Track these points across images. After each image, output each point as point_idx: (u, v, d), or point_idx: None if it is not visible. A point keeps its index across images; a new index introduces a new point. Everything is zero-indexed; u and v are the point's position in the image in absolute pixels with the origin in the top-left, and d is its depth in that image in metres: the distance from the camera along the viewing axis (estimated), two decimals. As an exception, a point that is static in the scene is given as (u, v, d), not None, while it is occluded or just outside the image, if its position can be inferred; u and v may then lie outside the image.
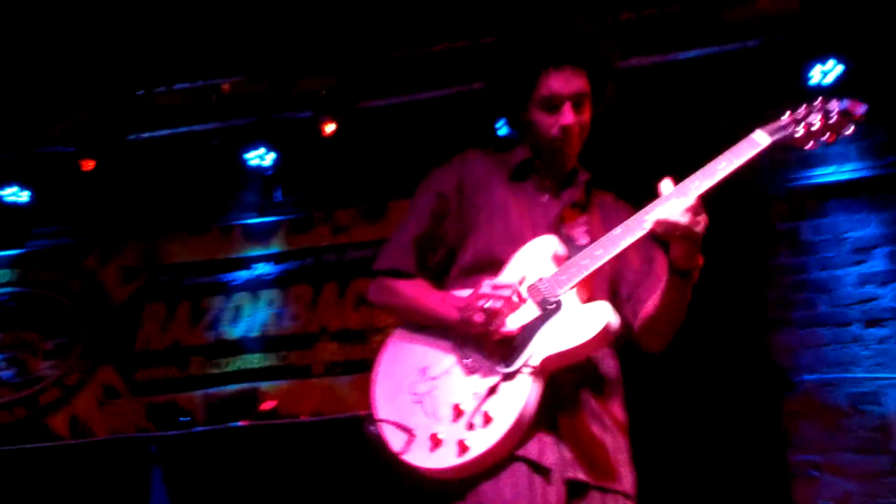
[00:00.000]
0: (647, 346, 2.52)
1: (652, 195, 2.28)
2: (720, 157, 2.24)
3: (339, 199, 6.32)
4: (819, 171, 5.53)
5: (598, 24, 2.71)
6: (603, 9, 4.67)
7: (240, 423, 5.54)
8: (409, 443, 2.27)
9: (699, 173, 2.23)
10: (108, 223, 6.60)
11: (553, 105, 2.47)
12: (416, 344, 2.45)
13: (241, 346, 6.15)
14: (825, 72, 5.03)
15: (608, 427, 2.37)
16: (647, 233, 2.23)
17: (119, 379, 6.20)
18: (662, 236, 2.21)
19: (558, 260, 2.37)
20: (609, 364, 2.49)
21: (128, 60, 5.63)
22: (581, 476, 2.24)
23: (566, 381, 2.31)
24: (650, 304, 2.44)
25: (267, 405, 5.71)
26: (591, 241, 2.42)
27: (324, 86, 5.71)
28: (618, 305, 2.40)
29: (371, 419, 2.38)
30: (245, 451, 5.32)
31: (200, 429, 5.74)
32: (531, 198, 2.58)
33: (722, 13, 4.91)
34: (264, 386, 5.99)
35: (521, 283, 2.31)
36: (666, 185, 2.25)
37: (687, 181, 2.23)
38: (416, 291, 2.50)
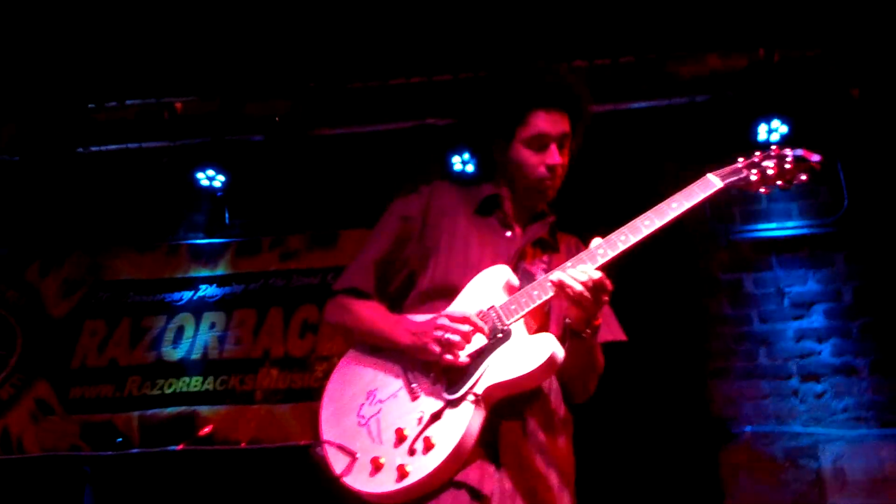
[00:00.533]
0: (569, 396, 2.53)
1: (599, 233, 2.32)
2: (671, 199, 2.29)
3: (289, 224, 6.26)
4: (762, 226, 5.63)
5: (579, 73, 2.75)
6: (556, 54, 4.70)
7: (176, 447, 5.49)
8: (350, 466, 2.27)
9: (650, 213, 2.28)
10: (52, 235, 6.47)
11: (541, 144, 2.52)
12: (366, 366, 2.47)
13: (181, 368, 6.03)
14: (771, 130, 5.12)
15: (553, 463, 2.36)
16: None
17: (53, 395, 6.05)
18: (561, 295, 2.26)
19: (510, 290, 2.39)
20: (560, 399, 2.49)
21: (80, 73, 5.55)
22: None
23: (514, 412, 2.31)
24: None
25: (204, 430, 5.64)
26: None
27: (278, 111, 5.68)
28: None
29: (317, 440, 2.39)
30: (180, 476, 5.25)
31: (136, 451, 5.66)
32: (494, 232, 2.61)
33: (673, 67, 4.97)
34: (203, 410, 5.87)
35: (476, 312, 2.33)
36: (595, 242, 2.31)
37: (617, 233, 2.29)
38: (372, 313, 2.51)
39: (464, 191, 2.74)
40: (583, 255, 2.30)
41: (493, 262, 2.48)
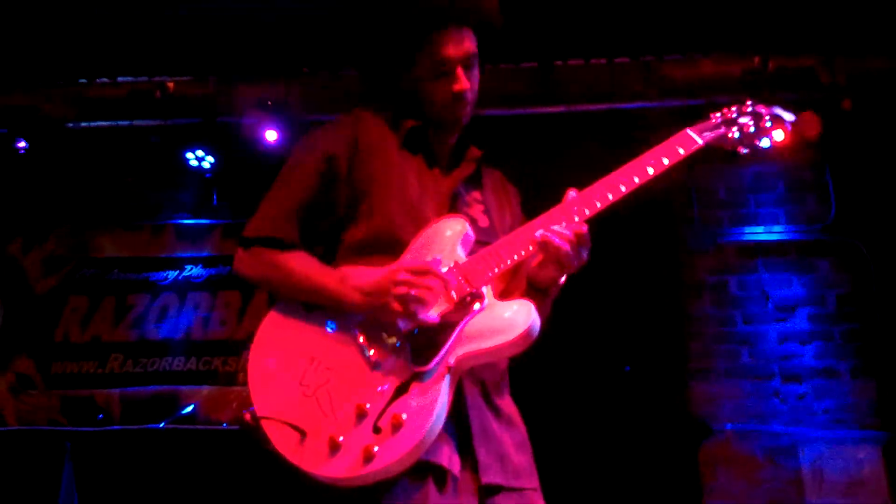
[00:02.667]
0: None
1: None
2: (650, 154, 2.13)
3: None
4: (749, 230, 5.67)
5: None
6: (551, 52, 4.71)
7: (158, 426, 5.50)
8: (300, 444, 1.98)
9: (629, 169, 2.11)
10: (37, 210, 6.42)
11: (443, 71, 2.25)
12: (302, 325, 2.13)
13: (164, 347, 6.05)
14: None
15: (509, 421, 2.21)
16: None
17: (35, 370, 6.04)
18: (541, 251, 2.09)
19: (467, 244, 2.15)
20: None
21: (72, 48, 5.48)
22: (496, 479, 2.08)
23: (472, 376, 2.12)
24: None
25: (186, 409, 5.66)
26: (490, 223, 2.31)
27: (270, 94, 5.63)
28: None
29: (252, 412, 2.05)
30: (161, 454, 5.26)
31: (116, 427, 5.67)
32: (425, 171, 2.32)
33: (668, 70, 4.98)
34: (185, 389, 5.89)
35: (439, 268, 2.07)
36: (570, 195, 2.13)
37: (592, 189, 2.12)
38: (305, 267, 2.16)
39: (386, 116, 2.38)
40: (560, 210, 2.12)
41: (434, 207, 2.24)
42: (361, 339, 2.05)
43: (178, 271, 6.25)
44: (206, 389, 5.88)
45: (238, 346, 5.94)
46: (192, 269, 6.25)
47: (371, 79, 2.49)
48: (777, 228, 5.65)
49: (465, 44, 2.26)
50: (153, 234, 6.38)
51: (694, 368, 5.48)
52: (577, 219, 2.08)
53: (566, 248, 2.03)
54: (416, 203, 2.22)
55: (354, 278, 2.09)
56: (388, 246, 2.15)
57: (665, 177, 2.12)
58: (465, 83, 2.26)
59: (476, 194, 2.37)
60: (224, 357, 5.96)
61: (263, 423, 2.01)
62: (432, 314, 2.00)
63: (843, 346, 5.40)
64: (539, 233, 2.07)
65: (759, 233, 5.65)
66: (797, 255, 5.59)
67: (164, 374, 5.96)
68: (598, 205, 2.10)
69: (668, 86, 5.03)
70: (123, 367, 6.00)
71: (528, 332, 1.98)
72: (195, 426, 5.62)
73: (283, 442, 1.99)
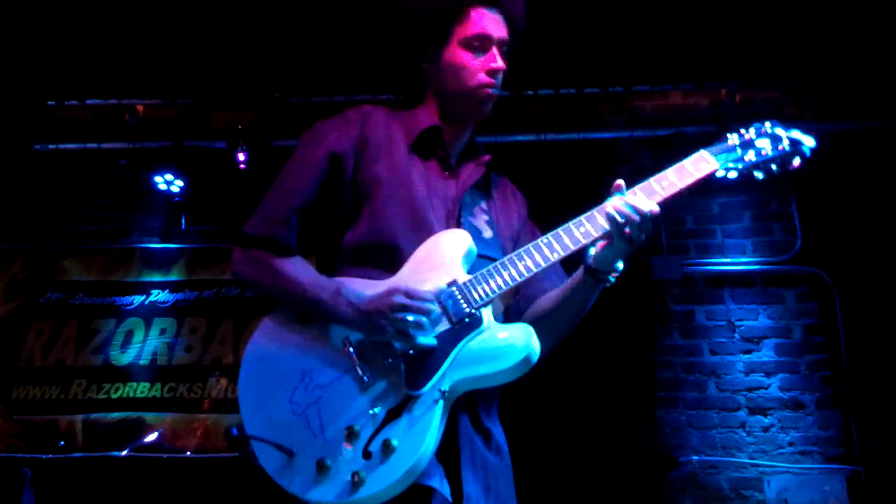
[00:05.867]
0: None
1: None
2: (660, 176, 2.07)
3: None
4: (716, 260, 5.70)
5: None
6: (522, 81, 4.75)
7: (120, 453, 5.40)
8: (287, 465, 1.90)
9: (641, 186, 2.06)
10: (2, 232, 6.34)
11: (482, 46, 2.20)
12: (295, 338, 2.06)
13: (128, 373, 5.94)
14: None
15: (497, 451, 2.14)
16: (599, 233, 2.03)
17: (-5, 394, 5.94)
18: (612, 228, 2.01)
19: (469, 260, 2.09)
20: None
21: (41, 70, 5.45)
22: None
23: (466, 401, 2.04)
24: (546, 300, 2.24)
25: (150, 437, 5.57)
26: (495, 235, 2.24)
27: (241, 119, 5.63)
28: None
29: (241, 428, 1.96)
30: (123, 482, 5.17)
31: (78, 454, 5.57)
32: (434, 174, 2.25)
33: (638, 101, 5.03)
34: (149, 417, 5.79)
35: (436, 290, 2.02)
36: (621, 183, 2.06)
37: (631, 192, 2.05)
38: (301, 275, 2.09)
39: (397, 116, 2.31)
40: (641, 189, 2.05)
41: (437, 216, 2.16)
42: (355, 357, 1.97)
43: (144, 296, 6.17)
44: (170, 417, 5.78)
45: (204, 373, 5.87)
46: (158, 293, 6.17)
47: (400, 57, 2.36)
48: (743, 259, 5.69)
49: (502, 29, 2.23)
50: (120, 257, 6.29)
51: (661, 398, 5.48)
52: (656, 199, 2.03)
53: (636, 218, 1.97)
54: (421, 210, 2.14)
55: (350, 292, 2.02)
56: (389, 254, 2.10)
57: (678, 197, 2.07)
58: (502, 63, 2.21)
59: (483, 203, 2.32)
60: (189, 384, 5.86)
61: (251, 441, 1.94)
62: (429, 340, 1.95)
63: (809, 378, 5.42)
64: (613, 201, 2.00)
65: (726, 263, 5.68)
66: (763, 285, 5.63)
67: (129, 400, 5.86)
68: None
69: (638, 116, 5.08)
70: (87, 393, 5.89)
71: (525, 359, 1.92)
72: (159, 454, 5.53)
73: (270, 462, 1.92)
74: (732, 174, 2.11)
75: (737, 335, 5.55)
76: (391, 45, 2.37)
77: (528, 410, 4.92)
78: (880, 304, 5.29)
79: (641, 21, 4.62)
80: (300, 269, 2.11)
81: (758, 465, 5.27)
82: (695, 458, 5.33)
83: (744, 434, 5.36)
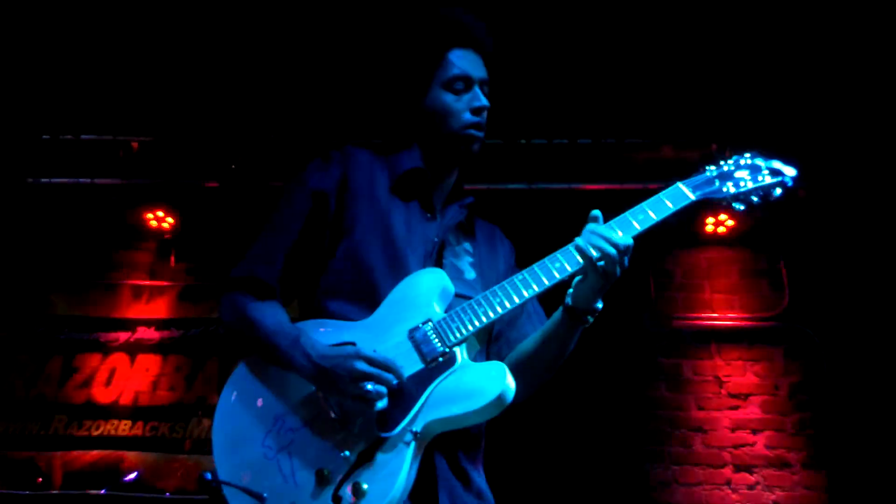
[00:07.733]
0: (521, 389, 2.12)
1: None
2: (637, 209, 2.05)
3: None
4: (704, 315, 5.71)
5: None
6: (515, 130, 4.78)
7: (99, 492, 5.33)
8: None
9: (617, 219, 2.04)
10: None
11: (463, 88, 2.24)
12: (270, 383, 2.04)
13: (110, 411, 5.88)
14: (718, 222, 5.25)
15: (479, 496, 2.10)
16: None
17: (-28, 428, 5.86)
18: (585, 262, 1.99)
19: (445, 299, 2.07)
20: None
21: (36, 104, 5.48)
22: None
23: (444, 443, 2.01)
24: (527, 343, 2.22)
25: (130, 476, 5.50)
26: (478, 276, 2.23)
27: (235, 158, 5.65)
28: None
29: (213, 474, 1.94)
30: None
31: (56, 492, 5.49)
32: (414, 215, 2.25)
33: (629, 153, 5.08)
34: (130, 455, 5.72)
35: (409, 329, 2.01)
36: (598, 214, 2.05)
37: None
38: (267, 320, 2.08)
39: (379, 159, 2.32)
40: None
41: (416, 256, 2.16)
42: (328, 400, 1.95)
43: (129, 332, 6.14)
44: (151, 456, 5.71)
45: (187, 413, 5.81)
46: (144, 330, 6.14)
47: (386, 104, 2.42)
48: (731, 315, 5.71)
49: (481, 69, 2.28)
50: (107, 293, 6.27)
51: (650, 451, 5.45)
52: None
53: (610, 251, 1.95)
54: (399, 249, 2.14)
55: (307, 342, 1.99)
56: (365, 291, 2.09)
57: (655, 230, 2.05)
58: (486, 101, 2.24)
59: (467, 245, 2.32)
60: (171, 423, 5.80)
61: (223, 486, 1.92)
62: (384, 405, 1.90)
63: (795, 436, 5.40)
64: (585, 234, 1.99)
65: (713, 318, 5.70)
66: (750, 342, 5.63)
67: (109, 438, 5.79)
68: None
69: (630, 168, 5.12)
70: (67, 429, 5.82)
71: (499, 398, 1.88)
72: (138, 493, 5.45)
73: None
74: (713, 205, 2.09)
75: (723, 390, 5.54)
76: (375, 93, 2.40)
77: (518, 456, 4.90)
78: (867, 364, 5.28)
79: (635, 75, 4.68)
80: (268, 314, 2.11)
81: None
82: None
83: (730, 491, 5.33)
